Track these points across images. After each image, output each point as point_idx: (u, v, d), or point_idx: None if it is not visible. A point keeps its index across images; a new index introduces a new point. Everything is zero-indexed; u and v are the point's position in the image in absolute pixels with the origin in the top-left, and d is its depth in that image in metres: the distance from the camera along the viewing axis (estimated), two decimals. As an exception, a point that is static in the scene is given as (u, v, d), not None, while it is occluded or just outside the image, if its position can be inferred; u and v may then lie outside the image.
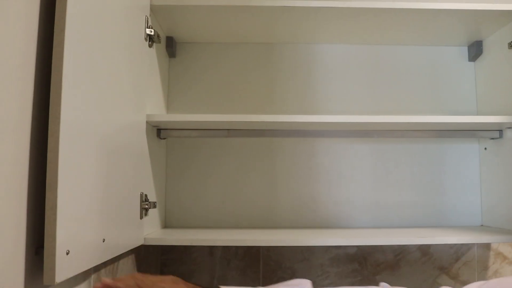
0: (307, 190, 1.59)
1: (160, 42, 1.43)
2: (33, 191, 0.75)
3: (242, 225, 1.58)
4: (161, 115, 1.48)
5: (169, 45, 1.56)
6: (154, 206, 1.35)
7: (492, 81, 1.53)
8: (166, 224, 1.57)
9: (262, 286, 1.57)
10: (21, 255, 0.73)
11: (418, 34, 1.54)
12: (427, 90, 1.64)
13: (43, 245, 0.72)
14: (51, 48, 0.74)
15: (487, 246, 1.61)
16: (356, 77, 1.64)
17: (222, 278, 1.57)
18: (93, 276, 1.01)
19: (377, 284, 1.57)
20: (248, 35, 1.57)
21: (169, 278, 0.90)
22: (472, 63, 1.64)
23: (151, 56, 1.36)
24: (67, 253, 0.74)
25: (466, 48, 1.65)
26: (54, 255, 0.70)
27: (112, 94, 0.97)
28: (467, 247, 1.60)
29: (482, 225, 1.58)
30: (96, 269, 1.03)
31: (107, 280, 0.77)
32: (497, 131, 1.49)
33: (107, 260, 0.98)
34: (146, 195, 1.25)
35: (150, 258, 1.47)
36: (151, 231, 1.36)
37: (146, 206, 1.25)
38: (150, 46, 1.30)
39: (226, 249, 1.58)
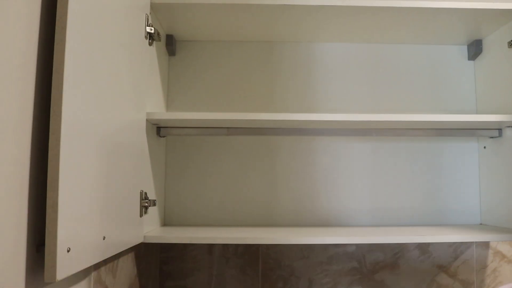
0: (306, 189, 1.60)
1: (160, 40, 1.43)
2: (34, 189, 0.76)
3: (242, 223, 1.58)
4: (161, 113, 1.47)
5: (169, 43, 1.56)
6: (154, 204, 1.34)
7: (492, 80, 1.53)
8: (166, 222, 1.57)
9: (261, 284, 1.57)
10: (22, 253, 0.73)
11: (418, 32, 1.54)
12: (427, 89, 1.64)
13: (44, 243, 0.72)
14: (51, 47, 0.74)
15: (486, 245, 1.61)
16: (356, 75, 1.64)
17: (221, 276, 1.58)
18: (93, 274, 1.02)
19: (376, 282, 1.58)
20: (248, 33, 1.57)
21: None
22: (471, 62, 1.65)
23: (151, 54, 1.36)
24: (68, 251, 0.74)
25: (465, 47, 1.65)
26: (55, 252, 0.70)
27: (112, 92, 0.97)
28: (466, 245, 1.61)
29: (481, 224, 1.59)
30: (96, 266, 1.03)
31: None
32: (497, 130, 1.50)
33: (107, 258, 0.98)
34: (146, 193, 1.25)
35: (149, 256, 1.47)
36: (151, 229, 1.36)
37: (146, 204, 1.25)
38: (150, 44, 1.30)
39: (226, 247, 1.59)
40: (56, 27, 0.73)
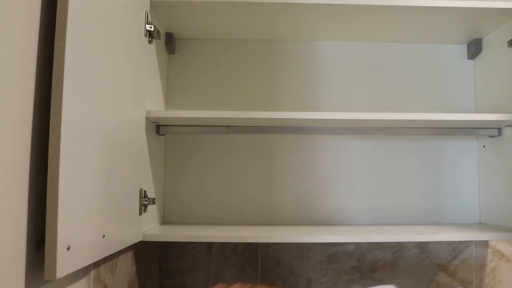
0: (305, 187, 1.60)
1: (159, 38, 1.43)
2: (34, 187, 0.75)
3: (241, 221, 1.58)
4: (161, 111, 1.47)
5: (169, 41, 1.56)
6: (153, 203, 1.34)
7: (491, 79, 1.53)
8: (165, 221, 1.57)
9: (261, 282, 1.57)
10: (22, 251, 0.73)
11: (417, 31, 1.54)
12: (426, 88, 1.64)
13: (44, 241, 0.72)
14: (51, 45, 0.74)
15: (485, 244, 1.61)
16: (355, 74, 1.64)
17: (220, 274, 1.58)
18: (92, 272, 1.01)
19: (375, 280, 1.58)
20: (247, 32, 1.57)
21: None
22: (471, 61, 1.65)
23: (151, 52, 1.35)
24: (68, 249, 0.74)
25: (465, 46, 1.65)
26: (55, 250, 0.70)
27: (112, 90, 0.97)
28: (465, 244, 1.61)
29: (480, 223, 1.59)
30: (96, 264, 1.03)
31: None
32: (496, 129, 1.50)
33: (107, 256, 0.98)
34: (145, 191, 1.25)
35: (148, 254, 1.47)
36: (150, 228, 1.36)
37: (145, 202, 1.24)
38: (149, 42, 1.29)
39: (225, 245, 1.59)
40: (57, 25, 0.73)
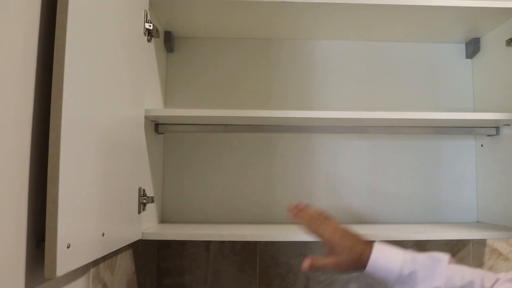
0: (304, 186, 1.60)
1: (158, 37, 1.43)
2: (34, 185, 0.76)
3: (240, 220, 1.58)
4: (160, 109, 1.48)
5: (167, 40, 1.55)
6: (152, 201, 1.34)
7: (489, 78, 1.54)
8: (163, 219, 1.57)
9: (259, 281, 1.57)
10: (22, 249, 0.73)
11: (416, 30, 1.55)
12: (425, 87, 1.64)
13: (43, 239, 0.72)
14: (51, 44, 0.74)
15: (482, 242, 1.62)
16: (354, 73, 1.64)
17: (219, 273, 1.58)
18: (92, 270, 1.02)
19: (373, 280, 1.58)
20: (246, 30, 1.57)
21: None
22: (469, 60, 1.65)
23: (150, 51, 1.35)
24: (68, 247, 0.74)
25: (463, 45, 1.65)
26: (55, 248, 0.70)
27: (111, 88, 0.97)
28: (463, 243, 1.61)
29: (478, 222, 1.59)
30: (95, 263, 1.03)
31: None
32: (494, 128, 1.50)
33: (106, 255, 0.98)
34: (144, 190, 1.25)
35: (147, 253, 1.47)
36: (149, 226, 1.36)
37: (144, 200, 1.24)
38: (148, 41, 1.29)
39: (223, 244, 1.59)
40: (57, 23, 0.73)
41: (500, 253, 1.62)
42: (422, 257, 0.97)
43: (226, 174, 1.59)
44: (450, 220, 1.60)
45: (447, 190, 1.61)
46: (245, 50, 1.64)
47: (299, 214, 1.13)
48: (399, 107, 1.62)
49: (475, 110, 1.62)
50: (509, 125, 1.44)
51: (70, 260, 0.76)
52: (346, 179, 1.60)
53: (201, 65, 1.62)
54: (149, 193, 1.35)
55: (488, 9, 1.35)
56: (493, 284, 0.88)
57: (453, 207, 1.61)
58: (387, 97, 1.63)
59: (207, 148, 1.60)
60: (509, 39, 1.40)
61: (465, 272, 0.92)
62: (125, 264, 1.26)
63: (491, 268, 1.61)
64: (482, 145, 1.58)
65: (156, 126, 1.46)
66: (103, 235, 0.92)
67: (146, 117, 1.28)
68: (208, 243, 1.59)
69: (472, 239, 1.61)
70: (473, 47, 1.60)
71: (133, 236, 1.17)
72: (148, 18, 1.25)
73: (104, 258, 1.08)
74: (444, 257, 0.96)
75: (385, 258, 0.98)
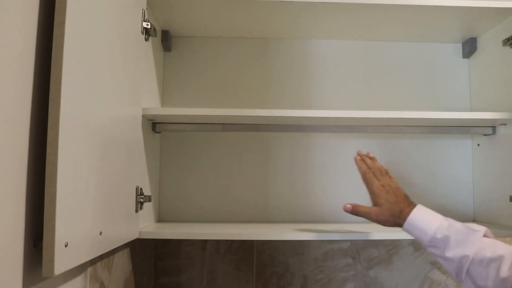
0: (301, 185, 1.60)
1: (156, 36, 1.42)
2: (31, 184, 0.75)
3: (237, 219, 1.58)
4: (157, 108, 1.48)
5: (165, 39, 1.55)
6: (149, 200, 1.35)
7: (486, 78, 1.54)
8: (160, 218, 1.57)
9: (256, 280, 1.58)
10: (20, 248, 0.73)
11: (413, 30, 1.55)
12: (421, 86, 1.65)
13: (41, 238, 0.72)
14: (49, 43, 0.74)
15: (478, 242, 1.62)
16: (351, 72, 1.64)
17: (215, 272, 1.58)
18: (89, 269, 1.02)
19: (370, 279, 1.58)
20: (244, 29, 1.57)
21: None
22: (466, 59, 1.66)
23: (147, 49, 1.35)
24: (66, 246, 0.74)
25: (460, 45, 1.66)
26: (53, 247, 0.70)
27: (109, 87, 0.97)
28: (459, 242, 1.62)
29: (474, 220, 1.60)
30: (92, 262, 1.03)
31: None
32: (490, 128, 1.50)
33: (103, 253, 0.98)
34: (141, 189, 1.25)
35: (144, 252, 1.47)
36: (146, 225, 1.36)
37: (141, 199, 1.25)
38: (146, 39, 1.29)
39: (220, 243, 1.59)
40: (55, 22, 0.73)
41: (496, 252, 1.62)
42: (459, 225, 1.01)
43: (223, 173, 1.59)
44: (446, 219, 1.60)
45: (444, 189, 1.62)
46: (242, 49, 1.64)
47: (362, 160, 1.25)
48: (396, 107, 1.62)
49: (471, 110, 1.62)
50: (505, 124, 1.44)
51: (68, 259, 0.75)
52: (343, 178, 1.61)
53: (198, 64, 1.62)
54: (146, 192, 1.35)
55: (485, 9, 1.36)
56: None
57: (450, 206, 1.61)
58: (384, 96, 1.63)
59: (205, 147, 1.60)
60: (506, 39, 1.40)
61: (498, 247, 0.94)
62: (122, 263, 1.26)
63: (487, 267, 1.61)
64: (478, 145, 1.59)
65: (154, 125, 1.46)
66: (100, 234, 0.91)
67: (143, 116, 1.28)
68: (205, 242, 1.59)
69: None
70: (470, 47, 1.60)
71: (131, 235, 1.17)
72: (146, 17, 1.25)
73: (101, 257, 1.08)
74: (480, 228, 0.99)
75: (422, 219, 1.06)
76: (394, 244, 1.61)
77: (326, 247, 1.60)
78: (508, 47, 1.40)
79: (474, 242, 0.97)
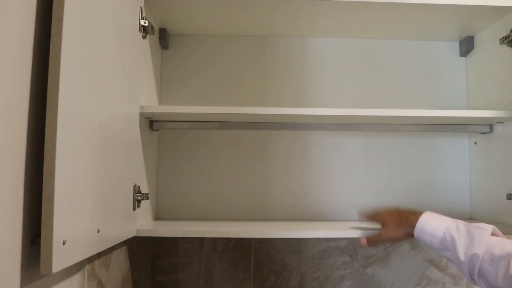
0: (299, 183, 1.60)
1: (153, 34, 1.42)
2: (29, 181, 0.75)
3: (234, 217, 1.58)
4: (154, 106, 1.47)
5: (162, 37, 1.55)
6: (147, 198, 1.35)
7: (483, 76, 1.55)
8: (158, 216, 1.57)
9: (253, 278, 1.58)
10: (18, 245, 0.73)
11: (410, 28, 1.55)
12: (419, 85, 1.65)
13: (39, 235, 0.72)
14: (46, 40, 0.74)
15: (475, 239, 1.63)
16: (349, 70, 1.64)
17: (213, 270, 1.58)
18: (87, 267, 1.01)
19: (367, 276, 1.59)
20: (242, 28, 1.57)
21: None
22: (463, 58, 1.66)
23: (145, 47, 1.35)
24: (64, 243, 0.74)
25: (457, 43, 1.66)
26: (51, 244, 0.70)
27: (107, 85, 0.97)
28: (456, 240, 1.62)
29: (471, 218, 1.60)
30: (90, 260, 1.03)
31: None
32: (487, 126, 1.51)
33: (101, 251, 0.98)
34: (139, 187, 1.25)
35: (141, 249, 1.47)
36: (143, 223, 1.36)
37: (139, 197, 1.24)
38: (144, 37, 1.29)
39: (218, 241, 1.59)
40: (53, 19, 0.73)
41: (493, 250, 1.63)
42: (467, 226, 1.03)
43: (221, 171, 1.59)
44: (443, 217, 1.60)
45: (441, 187, 1.62)
46: (240, 47, 1.64)
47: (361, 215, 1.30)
48: (394, 105, 1.62)
49: (468, 108, 1.63)
50: (502, 122, 1.45)
51: (66, 256, 0.75)
52: (340, 176, 1.61)
53: (196, 62, 1.62)
54: (144, 190, 1.35)
55: (482, 7, 1.36)
56: None
57: (447, 204, 1.61)
58: (381, 94, 1.64)
59: (202, 145, 1.60)
60: (503, 37, 1.40)
61: (506, 244, 0.96)
62: (120, 261, 1.26)
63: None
64: (475, 143, 1.59)
65: (151, 123, 1.46)
66: (98, 232, 0.91)
67: (141, 114, 1.28)
68: (202, 240, 1.59)
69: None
70: (467, 45, 1.60)
71: (128, 233, 1.17)
72: (144, 14, 1.25)
73: (99, 255, 1.08)
74: (488, 227, 1.02)
75: (430, 224, 1.07)
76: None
77: (323, 245, 1.60)
78: (505, 46, 1.41)
79: (482, 241, 0.98)
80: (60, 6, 0.73)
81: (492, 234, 1.01)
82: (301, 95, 1.62)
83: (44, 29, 0.78)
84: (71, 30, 0.76)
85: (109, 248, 1.07)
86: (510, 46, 1.38)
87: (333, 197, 1.60)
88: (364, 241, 1.21)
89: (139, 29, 1.23)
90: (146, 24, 1.26)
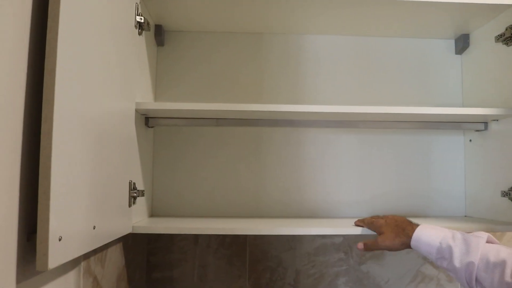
0: (294, 180, 1.60)
1: (149, 30, 1.42)
2: (24, 177, 0.75)
3: (230, 214, 1.58)
4: (150, 103, 1.47)
5: (158, 34, 1.55)
6: (142, 195, 1.35)
7: (478, 74, 1.55)
8: (153, 213, 1.57)
9: (248, 275, 1.58)
10: (13, 242, 0.72)
11: (406, 26, 1.55)
12: (414, 82, 1.65)
13: (34, 231, 0.71)
14: (42, 36, 0.74)
15: (470, 236, 1.63)
16: (344, 68, 1.65)
17: (208, 267, 1.58)
18: (82, 263, 1.01)
19: (362, 273, 1.59)
20: (238, 24, 1.56)
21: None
22: (458, 56, 1.66)
23: (141, 44, 1.35)
24: (60, 239, 0.74)
25: (453, 41, 1.66)
26: (47, 241, 0.70)
27: (102, 81, 0.97)
28: (451, 237, 1.63)
29: (465, 216, 1.61)
30: (86, 256, 1.03)
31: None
32: (482, 123, 1.51)
33: (97, 248, 0.98)
34: (134, 183, 1.25)
35: (137, 246, 1.47)
36: (139, 220, 1.36)
37: (135, 194, 1.25)
38: (139, 34, 1.29)
39: (213, 238, 1.59)
40: (49, 15, 0.73)
41: (487, 247, 1.64)
42: (462, 235, 1.04)
43: (216, 168, 1.59)
44: (438, 214, 1.61)
45: (436, 184, 1.63)
46: (236, 44, 1.63)
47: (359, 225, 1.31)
48: (389, 102, 1.63)
49: (464, 105, 1.63)
50: (497, 120, 1.45)
51: (61, 252, 0.75)
52: (336, 173, 1.61)
53: (191, 59, 1.62)
54: (139, 186, 1.35)
55: (478, 6, 1.36)
56: None
57: (441, 201, 1.62)
58: (376, 91, 1.64)
59: (198, 142, 1.60)
60: (498, 35, 1.41)
61: (501, 251, 0.96)
62: (116, 258, 1.26)
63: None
64: (470, 140, 1.60)
65: (147, 119, 1.46)
66: (94, 228, 0.91)
67: (136, 111, 1.28)
68: (197, 237, 1.59)
69: (460, 233, 1.63)
70: (462, 43, 1.61)
71: (124, 229, 1.17)
72: (139, 11, 1.25)
73: (94, 252, 1.08)
74: (483, 235, 1.02)
75: (426, 234, 1.09)
76: (386, 239, 1.61)
77: (318, 241, 1.61)
78: (500, 44, 1.41)
79: (477, 249, 0.99)
80: (56, 1, 0.72)
81: (488, 242, 1.01)
82: (296, 92, 1.62)
83: (40, 25, 0.78)
84: (67, 26, 0.75)
85: (104, 245, 1.07)
86: (505, 44, 1.39)
87: (328, 194, 1.60)
88: (361, 246, 1.23)
89: (135, 26, 1.22)
90: (142, 21, 1.26)
